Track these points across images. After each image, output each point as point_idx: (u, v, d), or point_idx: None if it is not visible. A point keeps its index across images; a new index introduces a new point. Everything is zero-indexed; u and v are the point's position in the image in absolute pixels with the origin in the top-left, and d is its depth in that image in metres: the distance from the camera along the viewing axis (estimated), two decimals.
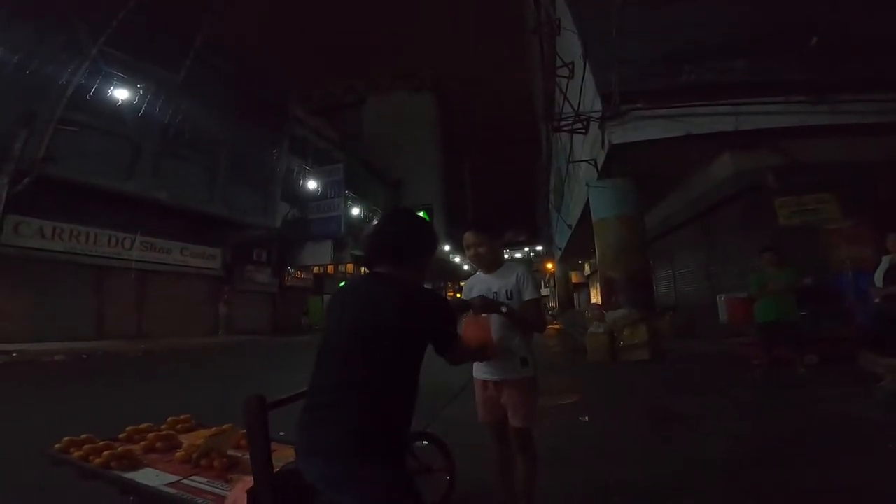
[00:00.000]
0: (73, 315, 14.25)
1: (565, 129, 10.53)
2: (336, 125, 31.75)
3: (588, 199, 11.13)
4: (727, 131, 7.87)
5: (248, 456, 2.12)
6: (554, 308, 36.44)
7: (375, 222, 1.58)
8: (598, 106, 8.75)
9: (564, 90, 10.82)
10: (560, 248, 26.93)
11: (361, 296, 1.37)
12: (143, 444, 2.16)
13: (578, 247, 20.39)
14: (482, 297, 2.14)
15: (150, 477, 1.84)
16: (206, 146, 18.15)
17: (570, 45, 11.20)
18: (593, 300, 23.94)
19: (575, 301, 34.74)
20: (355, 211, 26.15)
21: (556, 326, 22.28)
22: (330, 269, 27.65)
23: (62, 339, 12.75)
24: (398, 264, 1.41)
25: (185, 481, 1.78)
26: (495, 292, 2.17)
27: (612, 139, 8.40)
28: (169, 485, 1.75)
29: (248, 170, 20.17)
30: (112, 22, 13.48)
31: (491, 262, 2.23)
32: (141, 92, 14.61)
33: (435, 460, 2.38)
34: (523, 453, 2.17)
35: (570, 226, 19.02)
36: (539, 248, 63.65)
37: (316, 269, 26.64)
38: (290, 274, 24.13)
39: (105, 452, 1.96)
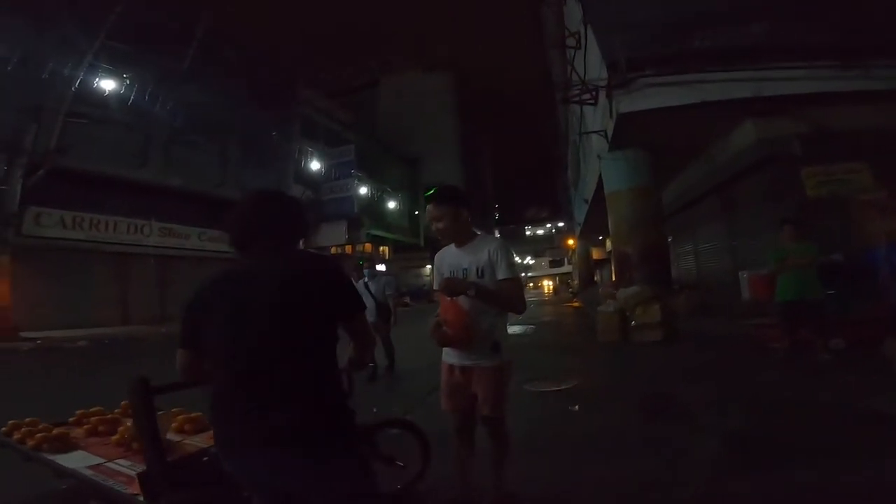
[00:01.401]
0: (98, 302, 14.73)
1: (574, 100, 10.01)
2: (351, 107, 31.41)
3: (601, 172, 10.73)
4: (746, 98, 7.34)
5: (188, 440, 2.08)
6: (575, 285, 36.05)
7: (240, 202, 1.40)
8: (606, 74, 8.25)
9: (572, 60, 10.28)
10: (579, 224, 26.42)
11: (249, 279, 1.26)
12: (86, 427, 2.22)
13: (597, 222, 19.92)
14: (447, 280, 1.98)
15: (75, 459, 1.86)
16: (216, 132, 18.21)
17: (577, 14, 10.62)
18: (615, 277, 23.37)
19: (597, 278, 34.10)
20: (369, 191, 25.98)
21: (576, 304, 21.98)
22: (348, 248, 27.83)
23: (87, 326, 13.20)
24: (275, 245, 1.32)
25: (108, 464, 1.80)
26: (465, 269, 2.01)
27: (619, 108, 7.95)
28: (90, 467, 1.78)
29: (259, 154, 20.18)
30: (111, 14, 13.44)
31: (456, 236, 2.06)
32: (145, 82, 14.64)
33: (408, 450, 2.28)
34: (494, 440, 2.07)
35: (586, 200, 18.56)
36: (561, 224, 62.76)
37: (333, 250, 26.82)
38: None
39: (38, 435, 2.02)
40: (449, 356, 2.06)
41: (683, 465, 2.57)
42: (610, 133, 9.06)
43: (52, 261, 13.36)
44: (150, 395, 1.50)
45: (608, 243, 30.93)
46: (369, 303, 5.44)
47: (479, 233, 2.12)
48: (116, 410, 2.40)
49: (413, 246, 33.83)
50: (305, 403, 1.15)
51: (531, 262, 77.56)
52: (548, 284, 66.53)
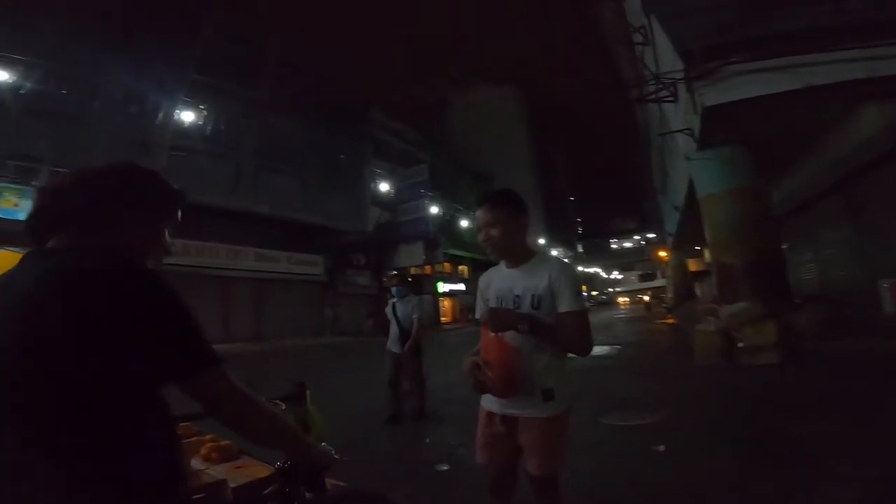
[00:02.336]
0: (204, 321, 16.09)
1: (650, 98, 9.14)
2: (422, 126, 32.35)
3: (691, 175, 9.66)
4: (858, 79, 6.21)
5: (210, 469, 1.94)
6: (669, 300, 33.17)
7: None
8: (681, 66, 7.42)
9: (641, 56, 9.47)
10: (671, 234, 24.35)
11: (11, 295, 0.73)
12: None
13: (691, 231, 18.19)
14: (493, 310, 1.60)
15: None
16: (296, 158, 19.52)
17: (637, 6, 9.83)
18: (716, 291, 20.97)
19: (697, 291, 31.06)
20: (444, 210, 26.24)
21: (670, 321, 20.06)
22: (427, 268, 28.25)
23: None
24: (71, 230, 0.80)
25: None
26: (517, 295, 1.62)
27: (704, 102, 7.05)
28: None
29: (337, 178, 21.30)
30: (196, 51, 15.13)
31: (508, 251, 1.69)
32: (231, 113, 16.23)
33: None
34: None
35: (676, 207, 17.06)
36: (651, 235, 59.21)
37: (413, 270, 27.36)
38: (388, 276, 25.07)
39: None
40: (489, 401, 1.68)
41: None
42: (697, 130, 8.12)
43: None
44: None
45: (706, 253, 28.10)
46: (394, 330, 4.79)
47: (537, 251, 1.72)
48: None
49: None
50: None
51: (619, 276, 73.49)
52: (623, 301, 62.34)
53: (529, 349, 1.54)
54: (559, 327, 1.55)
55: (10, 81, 12.09)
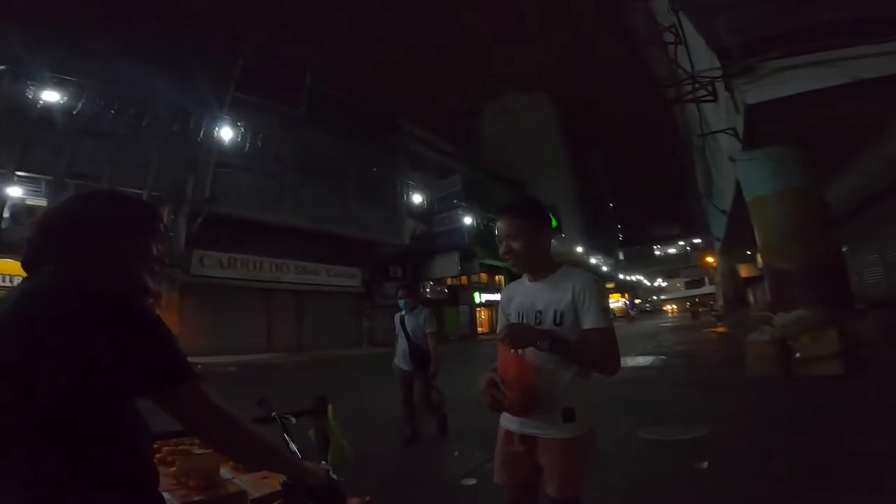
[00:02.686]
0: (247, 332, 16.92)
1: (688, 98, 8.81)
2: (455, 136, 32.53)
3: (737, 177, 9.24)
4: None
5: (237, 479, 2.00)
6: (719, 307, 31.56)
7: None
8: (717, 64, 7.12)
9: (674, 55, 9.15)
10: (718, 239, 23.21)
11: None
12: (157, 455, 2.18)
13: (740, 235, 17.27)
14: (511, 326, 1.54)
15: None
16: (334, 173, 20.08)
17: (666, 7, 9.54)
18: (770, 298, 19.74)
19: (750, 298, 29.43)
20: (478, 220, 26.19)
21: (720, 329, 19.08)
22: (463, 279, 28.15)
23: (239, 353, 15.18)
24: (61, 260, 0.85)
25: None
26: (539, 311, 1.56)
27: (746, 100, 6.73)
28: None
29: (372, 191, 21.71)
30: (235, 69, 15.85)
31: (531, 264, 1.61)
32: (271, 129, 16.88)
33: None
34: None
35: (723, 211, 16.24)
36: (697, 240, 56.97)
37: (450, 281, 27.36)
38: (426, 287, 25.20)
39: None
40: (508, 420, 1.62)
41: None
42: (741, 130, 7.74)
43: (211, 296, 15.76)
44: None
45: (759, 258, 26.53)
46: (402, 345, 4.44)
47: (561, 264, 1.65)
48: (187, 440, 2.45)
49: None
50: None
51: (663, 283, 70.87)
52: (671, 308, 59.90)
53: (551, 367, 1.48)
54: (583, 345, 1.47)
55: (65, 102, 12.84)
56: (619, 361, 1.52)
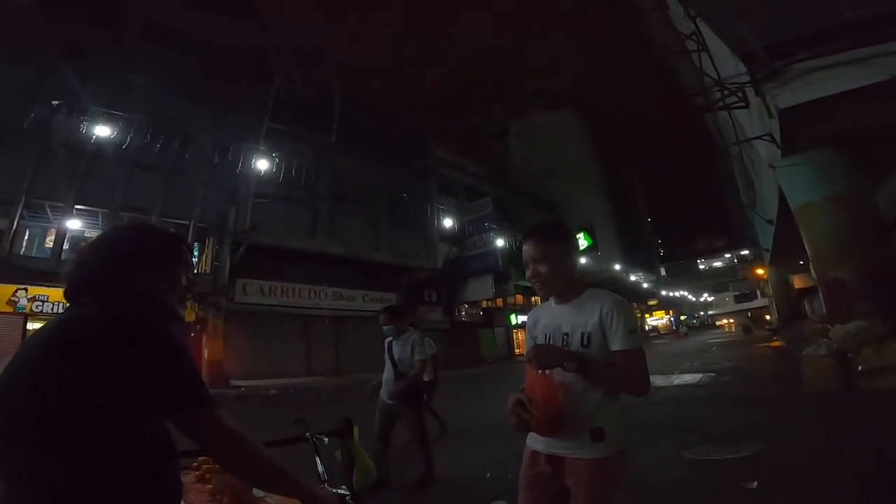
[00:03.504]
0: (288, 356, 17.36)
1: (717, 107, 8.61)
2: (484, 158, 32.72)
3: (779, 185, 8.89)
4: None
5: (269, 498, 2.06)
6: (774, 321, 29.72)
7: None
8: (743, 69, 6.96)
9: (699, 63, 9.00)
10: (767, 250, 22.07)
11: (28, 343, 0.88)
12: (196, 473, 2.18)
13: (790, 244, 16.34)
14: (538, 347, 1.56)
15: None
16: (366, 200, 20.61)
17: (680, 10, 9.44)
18: (825, 310, 18.46)
19: (807, 309, 27.59)
20: (511, 241, 26.06)
21: (776, 343, 17.97)
22: (499, 301, 27.90)
23: (280, 377, 15.57)
24: (96, 292, 0.94)
25: None
26: (566, 333, 1.56)
27: (778, 104, 6.53)
28: None
29: (404, 217, 22.09)
30: (269, 100, 16.64)
31: (557, 287, 1.61)
32: (304, 158, 17.57)
33: None
34: None
35: (770, 221, 15.51)
36: (744, 252, 54.42)
37: (485, 303, 27.18)
38: (460, 311, 25.13)
39: None
40: (535, 441, 1.61)
41: None
42: (777, 135, 7.47)
43: (253, 322, 16.32)
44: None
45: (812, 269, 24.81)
46: (387, 375, 3.92)
47: (588, 286, 1.65)
48: None
49: None
50: None
51: (710, 298, 67.73)
52: (727, 323, 56.98)
53: (579, 388, 1.48)
54: (610, 367, 1.47)
55: (115, 136, 13.58)
56: (648, 382, 1.51)
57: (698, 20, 8.04)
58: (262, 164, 16.65)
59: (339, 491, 1.18)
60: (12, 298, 12.12)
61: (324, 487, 1.44)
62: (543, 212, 33.33)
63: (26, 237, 14.00)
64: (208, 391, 0.87)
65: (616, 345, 1.46)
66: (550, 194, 36.31)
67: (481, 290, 23.81)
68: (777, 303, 29.33)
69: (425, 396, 4.01)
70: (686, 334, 41.76)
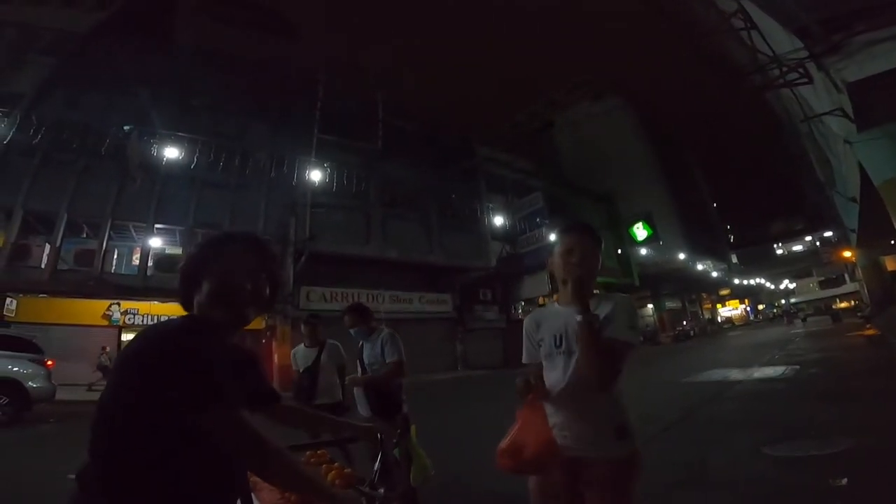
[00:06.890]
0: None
1: (777, 84, 8.02)
2: (531, 154, 32.18)
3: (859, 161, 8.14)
4: None
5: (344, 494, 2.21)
6: (864, 307, 26.89)
7: None
8: (798, 45, 6.45)
9: (750, 41, 8.41)
10: (853, 230, 20.07)
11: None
12: None
13: (878, 223, 14.78)
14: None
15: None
16: (417, 203, 21.01)
17: None
18: None
19: None
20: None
21: (870, 332, 16.34)
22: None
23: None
24: (187, 303, 1.07)
25: None
26: (576, 332, 1.54)
27: (845, 77, 6.03)
28: None
29: (455, 218, 22.27)
30: (316, 111, 17.31)
31: (591, 287, 1.56)
32: (354, 166, 18.21)
33: None
34: None
35: (853, 199, 14.11)
36: (827, 233, 49.51)
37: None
38: (517, 308, 24.94)
39: None
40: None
41: None
42: (849, 110, 6.87)
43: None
44: None
45: None
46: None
47: (596, 291, 1.63)
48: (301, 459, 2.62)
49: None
50: None
51: (791, 285, 62.18)
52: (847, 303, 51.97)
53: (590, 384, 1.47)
54: (603, 346, 1.43)
55: (183, 157, 14.71)
56: (616, 379, 1.48)
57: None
58: (316, 175, 17.48)
59: (379, 492, 1.23)
60: (107, 312, 13.71)
61: (357, 488, 1.50)
62: (596, 203, 32.32)
63: (115, 256, 15.65)
64: (225, 393, 0.90)
65: (613, 332, 1.46)
66: (603, 185, 35.13)
67: (537, 286, 23.49)
68: (868, 287, 26.56)
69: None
70: (793, 321, 35.40)
